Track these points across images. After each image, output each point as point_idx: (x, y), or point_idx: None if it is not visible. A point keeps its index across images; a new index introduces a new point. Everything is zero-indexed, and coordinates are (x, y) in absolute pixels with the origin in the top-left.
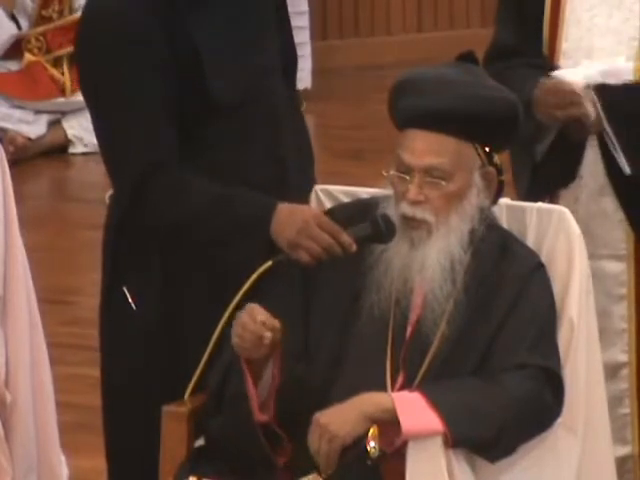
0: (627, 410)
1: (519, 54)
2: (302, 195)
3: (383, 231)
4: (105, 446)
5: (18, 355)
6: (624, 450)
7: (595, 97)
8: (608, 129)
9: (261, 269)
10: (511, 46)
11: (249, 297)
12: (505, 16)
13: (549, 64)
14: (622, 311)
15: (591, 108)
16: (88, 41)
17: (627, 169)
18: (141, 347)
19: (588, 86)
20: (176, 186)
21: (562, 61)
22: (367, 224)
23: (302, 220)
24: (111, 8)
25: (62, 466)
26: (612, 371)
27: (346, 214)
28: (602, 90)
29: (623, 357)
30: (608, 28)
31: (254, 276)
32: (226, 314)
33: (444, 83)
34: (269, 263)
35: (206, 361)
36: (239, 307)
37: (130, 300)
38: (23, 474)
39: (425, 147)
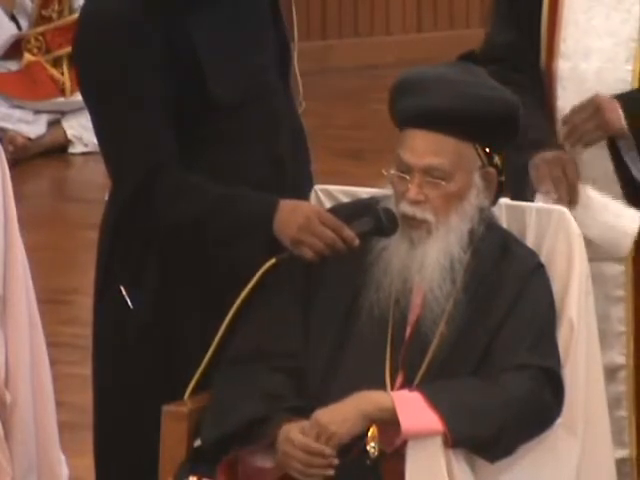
0: (624, 413)
1: (513, 54)
2: (300, 194)
3: (385, 224)
4: (94, 445)
5: (18, 355)
6: (622, 453)
7: (623, 117)
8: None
9: (265, 267)
10: (505, 46)
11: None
12: (499, 14)
13: (542, 80)
14: (620, 313)
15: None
16: (87, 42)
17: (638, 173)
18: (135, 347)
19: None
20: (178, 187)
21: (560, 62)
22: (369, 218)
23: (304, 217)
24: (110, 9)
25: (62, 465)
26: (610, 373)
27: (346, 213)
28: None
29: (621, 359)
30: (606, 29)
31: (259, 274)
32: (231, 313)
33: (445, 83)
34: (273, 261)
35: (208, 361)
36: (245, 306)
37: (127, 299)
38: (23, 474)
39: (425, 147)
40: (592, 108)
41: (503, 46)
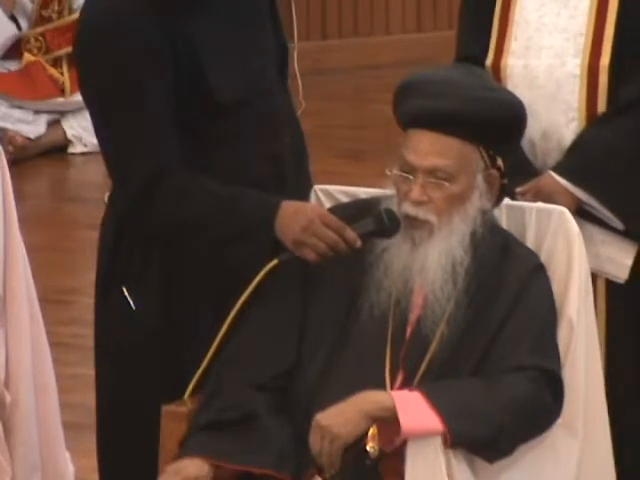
0: None
1: (481, 64)
2: (300, 192)
3: (387, 225)
4: (97, 445)
5: (19, 354)
6: None
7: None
8: (592, 202)
9: (267, 268)
10: (473, 57)
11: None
12: (465, 25)
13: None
14: None
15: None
16: (87, 43)
17: (620, 225)
18: (138, 347)
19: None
20: (181, 187)
21: (511, 60)
22: (371, 219)
23: (306, 218)
24: (109, 10)
25: (68, 464)
26: None
27: (347, 214)
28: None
29: None
30: (556, 26)
31: (261, 274)
32: (232, 314)
33: (450, 85)
34: (275, 262)
35: (209, 361)
36: (246, 306)
37: (130, 300)
38: (26, 474)
39: (430, 148)
40: (541, 199)
41: (471, 57)
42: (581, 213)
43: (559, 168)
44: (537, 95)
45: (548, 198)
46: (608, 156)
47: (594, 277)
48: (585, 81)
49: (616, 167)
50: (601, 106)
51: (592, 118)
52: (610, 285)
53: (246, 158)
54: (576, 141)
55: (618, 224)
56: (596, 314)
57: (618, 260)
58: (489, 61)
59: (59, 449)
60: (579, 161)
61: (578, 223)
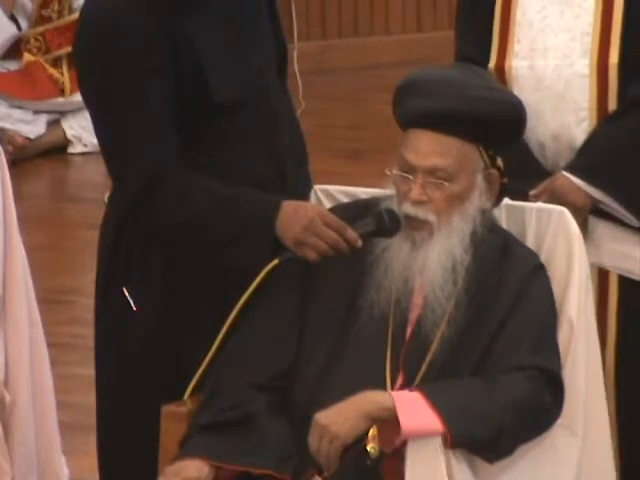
0: None
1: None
2: (299, 191)
3: (388, 225)
4: (97, 445)
5: (18, 355)
6: None
7: (584, 184)
8: (607, 200)
9: (268, 267)
10: (472, 58)
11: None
12: (462, 26)
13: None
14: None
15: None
16: (87, 44)
17: (636, 222)
18: (139, 348)
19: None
20: (182, 187)
21: (514, 62)
22: (371, 219)
23: (307, 218)
24: (109, 10)
25: (63, 466)
26: None
27: (347, 214)
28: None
29: None
30: (560, 26)
31: (261, 274)
32: (233, 313)
33: (451, 84)
34: (275, 261)
35: (209, 361)
36: (246, 306)
37: (130, 301)
38: (24, 474)
39: (430, 148)
40: (556, 200)
41: (469, 59)
42: (595, 211)
43: (572, 168)
44: (544, 96)
45: (563, 198)
46: (620, 154)
47: (606, 274)
48: (595, 80)
49: (629, 164)
50: (612, 105)
51: (603, 117)
52: (622, 281)
53: (246, 158)
54: (588, 140)
55: (633, 221)
56: (607, 311)
57: (634, 256)
58: (492, 63)
59: (55, 451)
60: (592, 160)
61: (592, 221)
